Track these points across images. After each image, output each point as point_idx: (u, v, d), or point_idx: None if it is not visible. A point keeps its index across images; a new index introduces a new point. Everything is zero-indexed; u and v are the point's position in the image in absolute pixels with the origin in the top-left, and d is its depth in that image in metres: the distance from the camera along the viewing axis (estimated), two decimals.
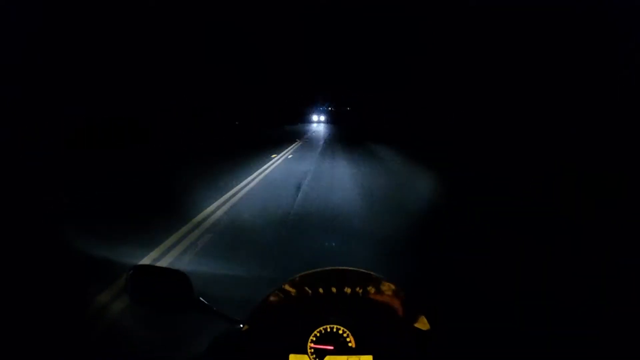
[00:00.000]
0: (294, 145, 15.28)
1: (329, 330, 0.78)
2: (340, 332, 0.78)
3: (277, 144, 15.21)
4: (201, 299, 0.86)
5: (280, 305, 0.88)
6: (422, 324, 0.82)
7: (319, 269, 0.94)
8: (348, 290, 0.89)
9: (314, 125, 47.94)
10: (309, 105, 60.62)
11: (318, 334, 0.78)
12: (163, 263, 2.99)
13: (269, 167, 8.67)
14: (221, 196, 5.37)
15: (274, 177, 7.36)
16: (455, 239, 3.72)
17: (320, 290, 0.89)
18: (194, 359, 0.99)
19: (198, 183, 6.33)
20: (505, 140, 10.56)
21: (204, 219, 4.25)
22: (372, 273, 0.92)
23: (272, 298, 0.89)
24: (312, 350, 0.77)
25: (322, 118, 60.51)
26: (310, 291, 0.89)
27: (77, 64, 10.86)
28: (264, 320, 0.84)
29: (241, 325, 0.83)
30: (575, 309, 2.24)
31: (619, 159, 6.96)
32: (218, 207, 4.80)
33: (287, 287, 0.92)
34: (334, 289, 0.89)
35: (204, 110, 19.39)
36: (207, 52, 20.44)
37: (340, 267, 0.94)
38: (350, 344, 0.77)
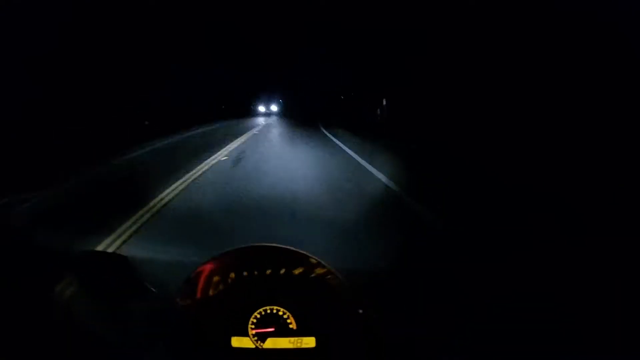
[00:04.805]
0: None
1: (269, 312, 0.77)
2: (281, 313, 0.77)
3: None
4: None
5: (217, 284, 0.84)
6: (364, 310, 0.83)
7: (255, 244, 0.88)
8: (287, 271, 0.85)
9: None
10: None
11: (259, 316, 0.77)
12: None
13: None
14: None
15: None
16: None
17: (258, 270, 0.85)
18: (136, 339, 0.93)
19: None
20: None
21: None
22: (310, 256, 0.87)
23: (206, 274, 0.84)
24: (254, 332, 0.76)
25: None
26: (248, 271, 0.85)
27: None
28: (202, 300, 0.81)
29: (179, 303, 0.80)
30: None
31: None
32: None
33: (221, 262, 0.86)
34: (272, 270, 0.85)
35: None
36: None
37: (278, 245, 0.89)
38: (291, 326, 0.76)
